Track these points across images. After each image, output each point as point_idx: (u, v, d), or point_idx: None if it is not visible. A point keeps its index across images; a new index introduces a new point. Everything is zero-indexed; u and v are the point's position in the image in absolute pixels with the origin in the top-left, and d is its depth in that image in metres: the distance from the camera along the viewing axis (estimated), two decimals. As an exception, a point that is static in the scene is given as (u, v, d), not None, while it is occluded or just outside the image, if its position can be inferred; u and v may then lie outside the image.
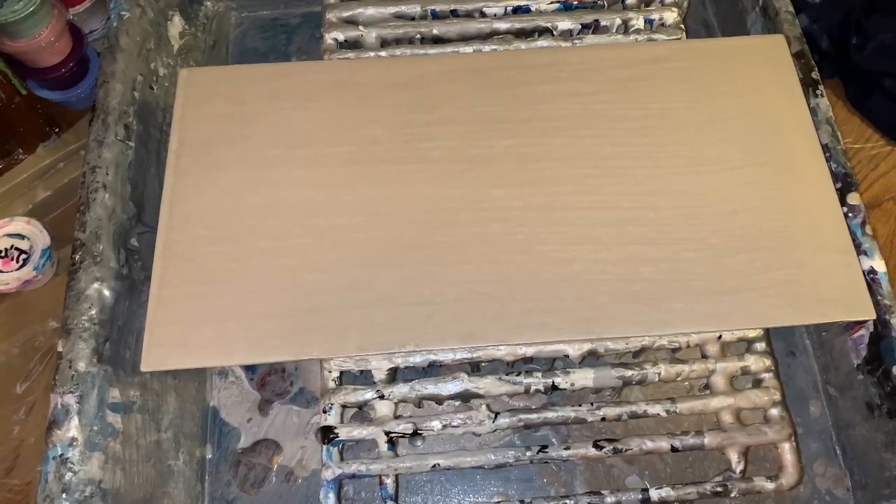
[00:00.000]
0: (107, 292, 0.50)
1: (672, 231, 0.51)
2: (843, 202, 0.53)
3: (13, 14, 0.62)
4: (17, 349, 0.62)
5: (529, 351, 0.49)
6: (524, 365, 0.53)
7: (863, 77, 0.71)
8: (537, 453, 0.48)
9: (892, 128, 0.71)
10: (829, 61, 0.72)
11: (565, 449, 0.48)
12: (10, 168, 0.70)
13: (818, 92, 0.57)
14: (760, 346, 0.51)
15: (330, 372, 0.49)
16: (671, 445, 0.48)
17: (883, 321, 0.50)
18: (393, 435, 0.48)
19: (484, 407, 0.49)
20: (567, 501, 0.47)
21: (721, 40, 0.68)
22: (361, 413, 0.57)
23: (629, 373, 0.49)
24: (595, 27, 0.61)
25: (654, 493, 0.47)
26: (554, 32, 0.61)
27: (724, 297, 0.49)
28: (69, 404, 0.45)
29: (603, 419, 0.49)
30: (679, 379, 0.50)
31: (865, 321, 0.51)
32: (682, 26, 0.61)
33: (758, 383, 0.51)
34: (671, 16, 0.61)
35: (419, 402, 0.54)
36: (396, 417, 0.49)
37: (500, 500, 0.57)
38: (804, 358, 0.62)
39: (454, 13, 0.62)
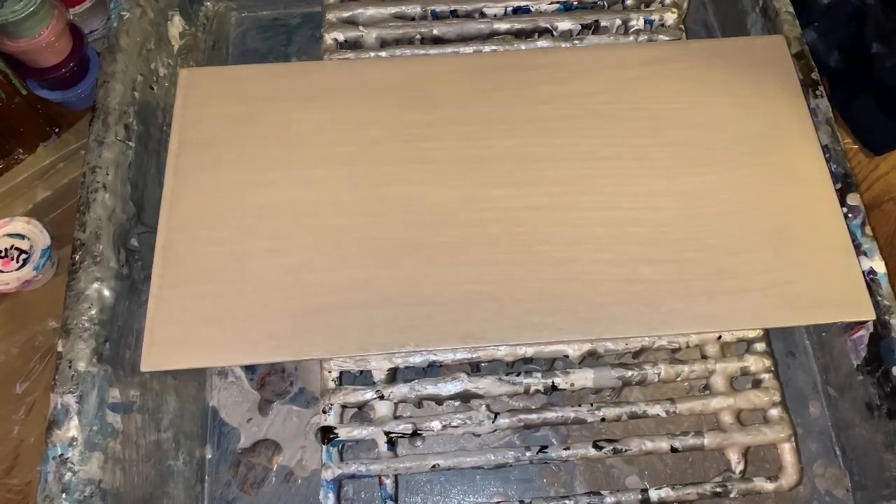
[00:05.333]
0: (107, 292, 0.50)
1: (672, 231, 0.51)
2: (842, 203, 0.53)
3: (13, 14, 0.62)
4: (17, 349, 0.62)
5: (529, 351, 0.49)
6: (524, 365, 0.53)
7: (882, 92, 0.67)
8: (537, 454, 0.48)
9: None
10: (838, 82, 0.70)
11: (565, 449, 0.48)
12: (10, 168, 0.70)
13: (818, 92, 0.57)
14: (760, 346, 0.51)
15: (330, 372, 0.49)
16: (671, 446, 0.48)
17: (883, 322, 0.50)
18: (393, 435, 0.48)
19: (484, 407, 0.49)
20: (567, 502, 0.47)
21: (721, 41, 0.68)
22: (361, 413, 0.57)
23: (629, 373, 0.49)
24: (595, 28, 0.62)
25: (654, 494, 0.47)
26: (554, 33, 0.61)
27: (724, 298, 0.49)
28: (69, 404, 0.45)
29: (603, 419, 0.49)
30: (679, 379, 0.50)
31: (865, 322, 0.51)
32: (682, 27, 0.61)
33: (757, 384, 0.51)
34: (671, 16, 0.61)
35: (419, 403, 0.54)
36: (396, 418, 0.49)
37: (499, 500, 0.57)
38: (804, 358, 0.62)
39: (454, 13, 0.62)
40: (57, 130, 0.71)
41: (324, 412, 0.49)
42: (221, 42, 0.76)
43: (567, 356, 0.49)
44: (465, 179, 0.53)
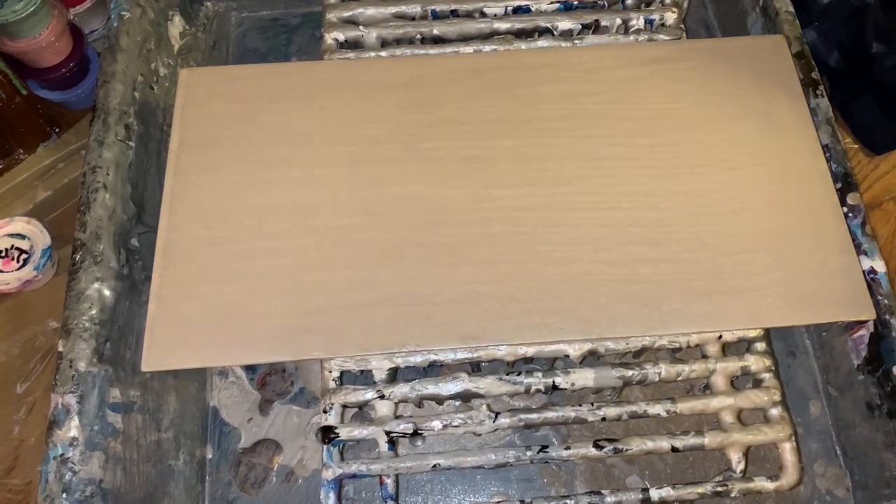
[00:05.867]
0: (107, 292, 0.50)
1: (672, 231, 0.51)
2: (843, 202, 0.53)
3: (14, 14, 0.62)
4: (18, 349, 0.62)
5: (530, 351, 0.49)
6: (524, 365, 0.53)
7: (883, 93, 0.67)
8: (537, 453, 0.48)
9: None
10: (838, 82, 0.70)
11: (565, 449, 0.48)
12: (11, 168, 0.70)
13: (818, 92, 0.57)
14: (760, 346, 0.51)
15: (330, 372, 0.49)
16: (671, 445, 0.48)
17: (883, 321, 0.50)
18: (393, 435, 0.48)
19: (484, 407, 0.49)
20: (567, 501, 0.47)
21: (721, 40, 0.68)
22: (362, 413, 0.57)
23: (629, 373, 0.49)
24: (595, 27, 0.62)
25: (655, 493, 0.47)
26: (554, 32, 0.61)
27: (724, 298, 0.49)
28: (69, 404, 0.46)
29: (603, 419, 0.49)
30: (679, 379, 0.50)
31: (865, 321, 0.51)
32: (682, 26, 0.61)
33: (758, 383, 0.51)
34: (671, 16, 0.61)
35: (419, 402, 0.54)
36: (397, 417, 0.49)
37: (500, 500, 0.57)
38: (804, 358, 0.62)
39: (454, 13, 0.62)
40: (57, 130, 0.71)
41: (324, 412, 0.49)
42: (221, 42, 0.76)
43: (567, 356, 0.49)
44: (465, 179, 0.53)
